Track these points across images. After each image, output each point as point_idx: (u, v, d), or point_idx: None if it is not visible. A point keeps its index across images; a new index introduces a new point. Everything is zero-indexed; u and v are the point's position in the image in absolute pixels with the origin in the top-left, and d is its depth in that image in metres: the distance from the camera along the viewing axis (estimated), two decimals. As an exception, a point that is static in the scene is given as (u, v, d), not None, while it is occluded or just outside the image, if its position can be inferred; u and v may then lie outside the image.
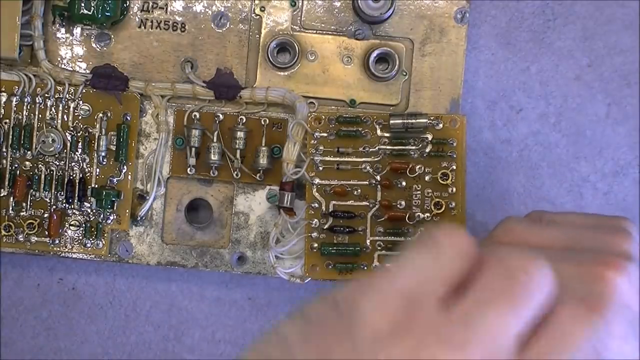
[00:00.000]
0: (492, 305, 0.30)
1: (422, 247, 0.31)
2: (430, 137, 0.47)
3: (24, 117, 0.48)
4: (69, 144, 0.48)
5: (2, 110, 0.48)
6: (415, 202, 0.47)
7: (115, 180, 0.49)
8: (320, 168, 0.47)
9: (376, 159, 0.47)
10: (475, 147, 0.51)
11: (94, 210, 0.49)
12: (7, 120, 0.48)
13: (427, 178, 0.47)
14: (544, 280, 0.30)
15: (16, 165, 0.48)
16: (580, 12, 0.51)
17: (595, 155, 0.51)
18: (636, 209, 0.51)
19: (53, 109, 0.48)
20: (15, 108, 0.48)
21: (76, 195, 0.48)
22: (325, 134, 0.47)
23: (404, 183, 0.47)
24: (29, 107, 0.48)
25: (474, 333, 0.29)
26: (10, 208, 0.48)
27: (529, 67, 0.51)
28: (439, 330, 0.29)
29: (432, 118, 0.46)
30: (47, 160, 0.48)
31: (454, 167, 0.47)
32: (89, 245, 0.49)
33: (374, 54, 0.48)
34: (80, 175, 0.48)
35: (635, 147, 0.51)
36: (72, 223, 0.49)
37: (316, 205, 0.47)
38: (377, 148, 0.47)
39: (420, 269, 0.31)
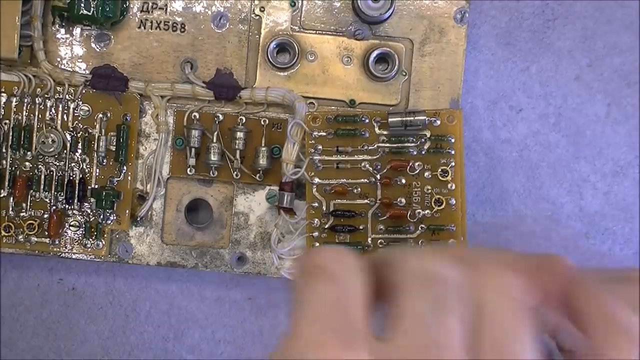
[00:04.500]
0: (432, 320, 0.28)
1: (313, 277, 0.29)
2: (428, 134, 0.47)
3: (24, 117, 0.48)
4: (68, 145, 0.48)
5: (2, 111, 0.48)
6: (416, 199, 0.47)
7: (115, 180, 0.49)
8: (320, 167, 0.47)
9: (375, 157, 0.47)
10: (475, 147, 0.51)
11: (94, 211, 0.49)
12: (7, 121, 0.48)
13: (426, 175, 0.47)
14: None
15: (16, 166, 0.48)
16: (580, 12, 0.51)
17: (595, 155, 0.51)
18: (636, 208, 0.51)
19: (53, 109, 0.48)
20: (15, 109, 0.48)
21: (76, 195, 0.48)
22: (323, 133, 0.47)
23: (403, 180, 0.47)
24: (28, 108, 0.48)
25: (433, 351, 0.27)
26: (10, 208, 0.48)
27: (529, 67, 0.51)
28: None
29: (430, 114, 0.46)
30: (47, 160, 0.48)
31: (453, 164, 0.47)
32: (89, 245, 0.49)
33: (374, 54, 0.48)
34: (80, 176, 0.48)
35: (635, 147, 0.51)
36: (72, 223, 0.49)
37: (316, 204, 0.47)
38: (375, 146, 0.47)
39: (329, 302, 0.28)
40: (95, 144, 0.48)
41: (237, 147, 0.48)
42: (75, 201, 0.48)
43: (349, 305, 0.29)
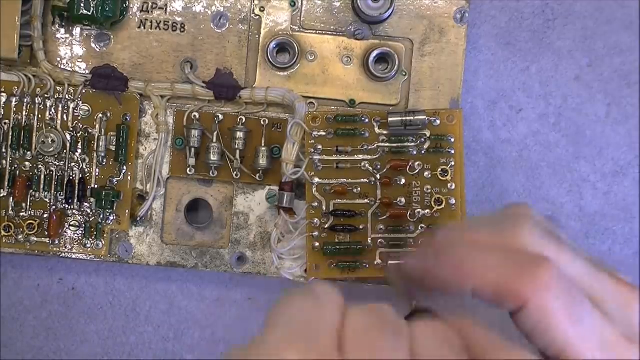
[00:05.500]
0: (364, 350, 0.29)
1: (304, 296, 0.31)
2: (428, 133, 0.47)
3: (24, 117, 0.48)
4: (68, 145, 0.48)
5: (2, 111, 0.48)
6: (415, 199, 0.47)
7: (115, 180, 0.49)
8: (320, 167, 0.47)
9: (375, 157, 0.47)
10: (475, 147, 0.51)
11: (94, 211, 0.49)
12: (7, 121, 0.48)
13: (426, 175, 0.47)
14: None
15: (16, 166, 0.48)
16: (580, 12, 0.51)
17: (595, 155, 0.51)
18: (636, 209, 0.51)
19: (53, 109, 0.48)
20: (14, 108, 0.48)
21: (76, 195, 0.48)
22: (323, 133, 0.47)
23: (403, 180, 0.47)
24: (28, 108, 0.48)
25: None
26: (10, 208, 0.48)
27: (529, 67, 0.51)
28: None
29: (430, 114, 0.46)
30: (47, 160, 0.48)
31: (453, 164, 0.47)
32: (88, 245, 0.49)
33: (374, 54, 0.48)
34: (80, 176, 0.48)
35: (635, 147, 0.51)
36: (72, 223, 0.49)
37: (316, 204, 0.47)
38: (375, 146, 0.47)
39: (303, 313, 0.30)
40: (95, 144, 0.48)
41: (237, 147, 0.48)
42: (75, 201, 0.48)
43: (320, 321, 0.29)
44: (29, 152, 0.48)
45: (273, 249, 0.48)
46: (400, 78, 0.49)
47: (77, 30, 0.49)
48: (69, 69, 0.49)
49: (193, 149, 0.48)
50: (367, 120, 0.47)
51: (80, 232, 0.49)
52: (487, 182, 0.51)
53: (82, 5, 0.47)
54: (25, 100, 0.48)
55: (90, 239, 0.49)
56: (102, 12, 0.47)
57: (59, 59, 0.49)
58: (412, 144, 0.47)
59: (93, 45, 0.49)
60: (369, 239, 0.47)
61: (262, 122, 0.49)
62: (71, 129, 0.48)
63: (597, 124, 0.51)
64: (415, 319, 0.32)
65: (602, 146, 0.51)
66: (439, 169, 0.47)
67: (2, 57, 0.47)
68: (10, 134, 0.48)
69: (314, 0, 0.49)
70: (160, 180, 0.49)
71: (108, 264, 0.51)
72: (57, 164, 0.48)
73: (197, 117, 0.49)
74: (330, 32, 0.49)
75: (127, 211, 0.49)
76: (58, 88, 0.48)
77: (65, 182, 0.48)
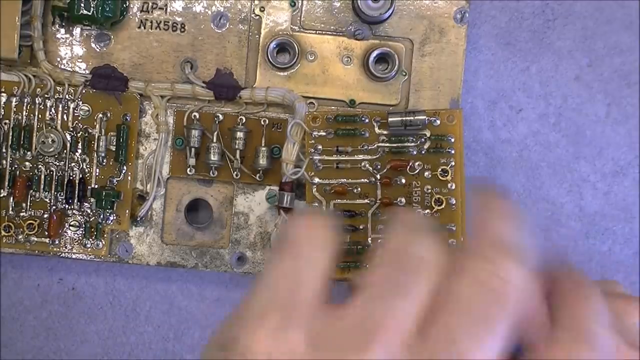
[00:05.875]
0: (383, 299, 0.27)
1: (282, 251, 0.29)
2: (428, 133, 0.47)
3: (24, 117, 0.48)
4: (68, 145, 0.48)
5: (2, 111, 0.48)
6: (416, 199, 0.47)
7: (115, 180, 0.49)
8: (320, 167, 0.47)
9: (375, 157, 0.47)
10: (475, 147, 0.51)
11: (94, 211, 0.49)
12: (7, 121, 0.48)
13: (426, 175, 0.47)
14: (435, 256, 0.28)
15: (16, 166, 0.48)
16: (580, 12, 0.51)
17: (595, 155, 0.51)
18: (636, 208, 0.51)
19: (53, 109, 0.48)
20: (15, 108, 0.48)
21: (76, 195, 0.48)
22: (323, 133, 0.47)
23: (403, 180, 0.47)
24: (28, 108, 0.48)
25: (369, 332, 0.27)
26: (10, 208, 0.48)
27: (529, 67, 0.51)
28: (327, 338, 0.27)
29: (430, 114, 0.46)
30: (47, 160, 0.48)
31: (453, 164, 0.47)
32: (88, 245, 0.49)
33: (374, 54, 0.48)
34: (80, 176, 0.48)
35: (635, 147, 0.51)
36: (72, 223, 0.49)
37: (316, 204, 0.47)
38: (375, 146, 0.47)
39: (285, 277, 0.29)
40: (95, 144, 0.48)
41: (237, 147, 0.48)
42: (75, 201, 0.48)
43: (303, 281, 0.28)
44: (29, 152, 0.48)
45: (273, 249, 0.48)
46: (400, 78, 0.49)
47: (77, 30, 0.49)
48: (69, 69, 0.49)
49: (193, 149, 0.48)
50: (367, 120, 0.47)
51: (80, 232, 0.49)
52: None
53: (82, 5, 0.47)
54: (25, 100, 0.48)
55: (90, 239, 0.49)
56: (102, 12, 0.47)
57: (59, 59, 0.49)
58: (412, 144, 0.47)
59: (93, 45, 0.49)
60: (369, 239, 0.47)
61: (262, 122, 0.49)
62: (71, 129, 0.48)
63: (597, 124, 0.51)
64: None
65: (602, 146, 0.51)
66: (439, 169, 0.47)
67: (2, 57, 0.47)
68: (10, 134, 0.48)
69: (314, 0, 0.49)
70: (160, 180, 0.49)
71: (108, 264, 0.51)
72: (57, 164, 0.48)
73: (197, 117, 0.49)
74: (330, 32, 0.49)
75: (127, 211, 0.49)
76: (58, 88, 0.48)
77: (65, 182, 0.48)
